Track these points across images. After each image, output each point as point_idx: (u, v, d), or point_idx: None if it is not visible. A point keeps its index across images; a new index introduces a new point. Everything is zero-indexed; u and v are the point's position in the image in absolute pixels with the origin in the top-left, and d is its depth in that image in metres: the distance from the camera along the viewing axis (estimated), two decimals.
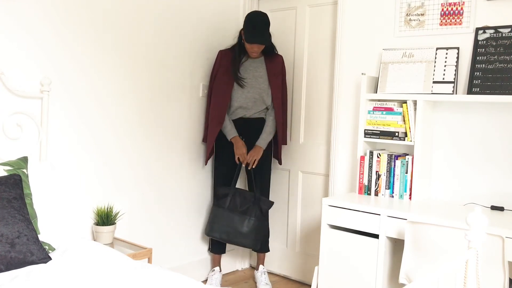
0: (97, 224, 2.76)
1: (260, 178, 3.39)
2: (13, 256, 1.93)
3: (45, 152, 2.55)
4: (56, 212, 2.44)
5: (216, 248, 3.49)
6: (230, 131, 3.31)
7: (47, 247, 2.17)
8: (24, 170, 2.27)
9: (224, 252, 3.53)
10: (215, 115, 3.30)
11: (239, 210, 3.25)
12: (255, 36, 3.15)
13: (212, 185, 3.60)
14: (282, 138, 3.43)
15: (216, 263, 3.52)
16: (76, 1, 2.69)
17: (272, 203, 3.37)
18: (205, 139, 3.46)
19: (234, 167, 3.37)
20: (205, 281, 3.53)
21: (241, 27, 3.72)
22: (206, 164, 3.51)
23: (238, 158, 3.30)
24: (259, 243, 3.32)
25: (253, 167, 3.31)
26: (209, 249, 3.58)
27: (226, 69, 3.30)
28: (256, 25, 3.16)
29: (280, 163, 3.54)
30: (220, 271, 3.50)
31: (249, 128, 3.37)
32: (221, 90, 3.29)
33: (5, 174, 2.17)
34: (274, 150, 3.51)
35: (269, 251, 3.55)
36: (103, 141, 2.89)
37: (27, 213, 2.09)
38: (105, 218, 2.75)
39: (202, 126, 3.51)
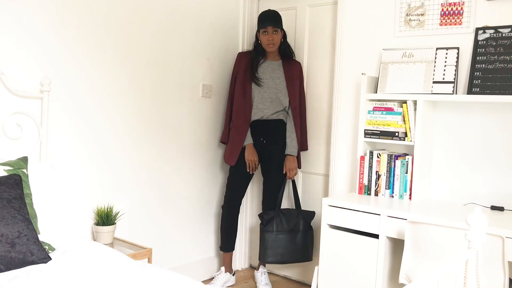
0: (97, 224, 2.76)
1: (271, 186, 3.41)
2: (13, 256, 1.93)
3: (45, 152, 2.55)
4: (56, 212, 2.44)
5: (227, 246, 3.49)
6: (248, 138, 3.36)
7: (47, 247, 2.17)
8: (24, 170, 2.27)
9: (233, 249, 3.53)
10: (241, 114, 3.34)
11: (287, 229, 3.28)
12: (266, 20, 3.26)
13: (223, 187, 3.60)
14: (300, 141, 3.37)
15: (223, 262, 3.53)
16: (77, 1, 2.69)
17: (314, 213, 3.38)
18: (224, 140, 3.48)
19: (247, 174, 3.39)
20: (206, 281, 3.53)
21: (241, 27, 3.77)
22: (234, 165, 3.36)
23: (249, 164, 3.35)
24: (311, 254, 3.35)
25: (292, 178, 3.36)
26: (220, 248, 3.55)
27: (244, 70, 3.38)
28: (266, 13, 3.31)
29: (299, 166, 3.46)
30: (229, 272, 3.48)
31: (268, 130, 3.37)
32: (242, 90, 3.36)
33: (5, 174, 2.17)
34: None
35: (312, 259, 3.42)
36: (103, 141, 2.89)
37: (27, 213, 2.09)
38: (105, 218, 2.75)
39: (203, 126, 3.51)
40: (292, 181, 3.43)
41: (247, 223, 3.86)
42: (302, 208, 3.54)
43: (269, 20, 3.26)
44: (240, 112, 3.35)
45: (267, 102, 3.34)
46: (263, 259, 3.29)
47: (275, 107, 3.34)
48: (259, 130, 3.37)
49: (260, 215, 3.35)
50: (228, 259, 3.51)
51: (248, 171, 3.36)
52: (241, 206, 3.55)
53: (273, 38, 3.26)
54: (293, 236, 3.28)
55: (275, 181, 3.39)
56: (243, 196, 3.52)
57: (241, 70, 3.39)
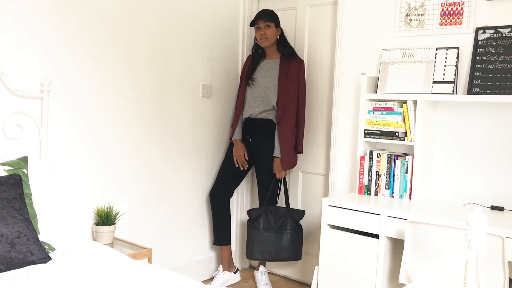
0: (97, 224, 2.76)
1: (261, 185, 3.40)
2: (13, 256, 1.93)
3: (45, 152, 2.55)
4: (56, 212, 2.44)
5: (216, 239, 3.48)
6: (235, 134, 3.42)
7: (47, 247, 2.17)
8: (24, 170, 2.27)
9: (229, 243, 3.51)
10: (235, 114, 3.48)
11: (274, 227, 3.27)
12: (257, 16, 3.32)
13: (212, 183, 3.60)
14: (284, 141, 3.27)
15: (221, 260, 3.51)
16: (77, 1, 2.69)
17: (303, 212, 3.37)
18: (230, 138, 3.57)
19: (236, 169, 3.41)
20: (206, 281, 3.53)
21: (241, 27, 3.80)
22: (223, 159, 3.55)
23: (237, 160, 3.38)
24: (300, 253, 3.34)
25: (281, 177, 3.34)
26: (214, 243, 3.53)
27: (246, 71, 3.46)
28: (259, 12, 3.38)
29: (293, 165, 3.39)
30: (227, 270, 3.47)
31: (256, 128, 3.38)
32: (240, 90, 3.47)
33: (5, 174, 2.17)
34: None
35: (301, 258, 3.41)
36: (103, 141, 2.89)
37: (27, 213, 2.09)
38: (105, 218, 2.75)
39: (203, 126, 3.52)
40: (283, 179, 3.40)
41: (246, 222, 3.85)
42: (301, 208, 3.54)
43: (260, 15, 3.31)
44: (235, 112, 3.47)
45: (258, 100, 3.36)
46: (250, 256, 3.30)
47: (264, 106, 3.34)
48: (248, 128, 3.42)
49: (248, 212, 3.36)
50: (224, 255, 3.49)
51: (237, 166, 3.39)
52: (238, 204, 3.56)
53: (265, 32, 3.28)
54: (279, 235, 3.26)
55: (265, 180, 3.38)
56: (230, 192, 3.51)
57: (245, 72, 3.46)
